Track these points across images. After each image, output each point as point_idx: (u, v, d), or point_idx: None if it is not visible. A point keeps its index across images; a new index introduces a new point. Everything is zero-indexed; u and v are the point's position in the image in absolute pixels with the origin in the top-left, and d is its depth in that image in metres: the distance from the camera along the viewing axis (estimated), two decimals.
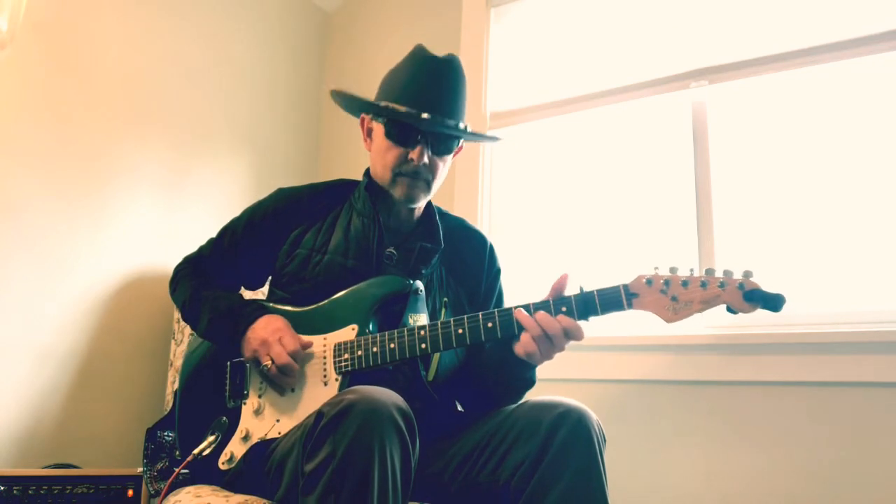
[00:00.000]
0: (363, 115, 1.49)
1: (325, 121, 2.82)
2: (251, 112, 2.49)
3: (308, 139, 2.74)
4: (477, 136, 1.46)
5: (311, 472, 1.04)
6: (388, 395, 1.09)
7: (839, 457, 1.68)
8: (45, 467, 1.69)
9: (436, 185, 1.44)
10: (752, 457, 1.77)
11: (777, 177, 1.96)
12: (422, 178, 1.39)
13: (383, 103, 1.37)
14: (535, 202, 2.34)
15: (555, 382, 1.94)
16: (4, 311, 1.75)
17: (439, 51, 1.43)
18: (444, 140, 1.40)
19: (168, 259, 2.11)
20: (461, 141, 1.46)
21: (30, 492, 1.56)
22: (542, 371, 1.44)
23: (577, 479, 1.15)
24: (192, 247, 1.59)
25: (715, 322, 1.92)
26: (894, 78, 1.84)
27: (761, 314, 1.13)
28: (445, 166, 1.45)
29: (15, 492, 1.55)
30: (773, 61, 1.97)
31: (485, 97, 2.40)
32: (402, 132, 1.37)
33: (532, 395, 1.37)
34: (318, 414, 1.07)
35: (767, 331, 1.81)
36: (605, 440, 1.22)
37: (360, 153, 2.64)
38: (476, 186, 2.35)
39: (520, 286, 2.19)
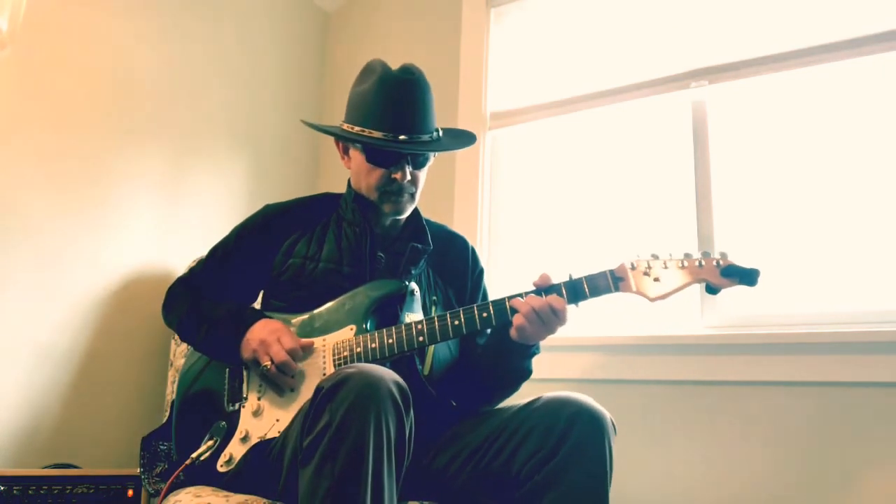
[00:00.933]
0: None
1: (326, 121, 2.81)
2: (251, 112, 2.49)
3: (308, 140, 2.74)
4: (453, 146, 1.50)
5: (308, 444, 1.06)
6: (384, 371, 1.12)
7: (839, 457, 1.68)
8: (45, 467, 1.69)
9: (419, 193, 1.49)
10: (752, 457, 1.77)
11: (777, 177, 1.96)
12: (406, 192, 1.44)
13: (357, 129, 1.42)
14: (536, 202, 2.34)
15: (556, 383, 1.94)
16: (4, 310, 1.75)
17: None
18: (422, 154, 1.45)
19: (168, 259, 2.11)
20: (435, 153, 1.50)
21: (30, 492, 1.56)
22: (541, 371, 1.44)
23: (586, 478, 1.18)
24: (191, 247, 1.60)
25: (715, 322, 1.92)
26: (894, 78, 1.84)
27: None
28: (425, 173, 1.50)
29: (15, 492, 1.55)
30: (773, 61, 1.97)
31: (485, 97, 2.40)
32: (382, 156, 1.43)
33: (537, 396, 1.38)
34: (317, 388, 1.10)
35: (767, 331, 1.81)
36: (616, 431, 1.25)
37: None
38: (476, 187, 2.35)
39: (519, 286, 2.19)
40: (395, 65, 1.49)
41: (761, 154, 2.00)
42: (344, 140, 1.50)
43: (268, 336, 1.33)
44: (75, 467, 1.72)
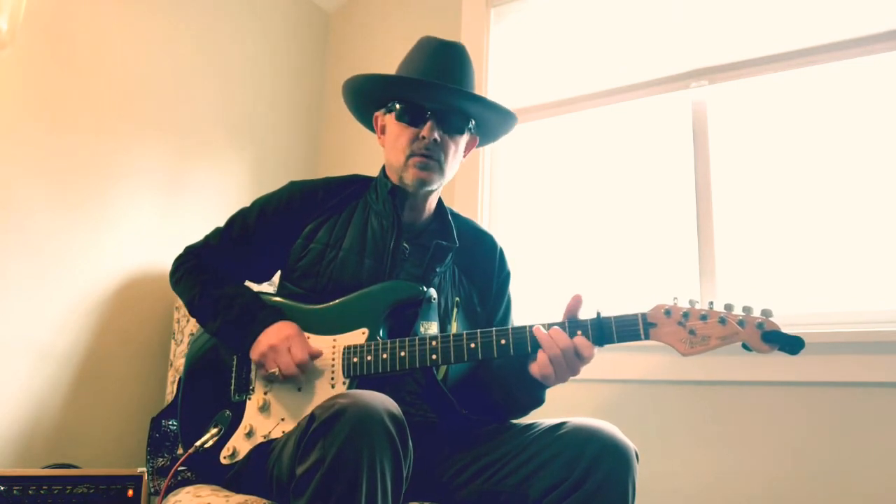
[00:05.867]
0: (376, 113, 1.50)
1: (326, 121, 2.82)
2: (251, 112, 2.49)
3: (308, 139, 2.74)
4: (487, 103, 1.44)
5: (301, 475, 1.03)
6: (380, 401, 1.07)
7: (839, 457, 1.68)
8: (45, 467, 1.69)
9: (449, 170, 1.43)
10: (755, 458, 1.77)
11: (777, 176, 1.96)
12: (434, 157, 1.38)
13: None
14: (535, 202, 2.34)
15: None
16: (4, 310, 1.74)
17: None
18: (455, 118, 1.40)
19: (168, 259, 2.10)
20: (471, 123, 1.45)
21: (30, 492, 1.56)
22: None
23: None
24: None
25: None
26: (894, 78, 1.85)
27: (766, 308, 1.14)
28: (458, 150, 1.44)
29: (15, 492, 1.54)
30: (773, 61, 1.98)
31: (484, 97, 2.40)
32: (411, 112, 1.39)
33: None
34: (311, 416, 1.07)
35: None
36: (639, 461, 1.21)
37: (360, 153, 2.65)
38: (476, 187, 2.35)
39: (520, 286, 2.19)
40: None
41: (761, 154, 2.00)
42: (374, 82, 1.44)
43: (279, 343, 1.29)
44: (75, 467, 1.72)
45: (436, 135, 1.37)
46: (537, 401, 1.37)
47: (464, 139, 1.45)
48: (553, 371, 1.19)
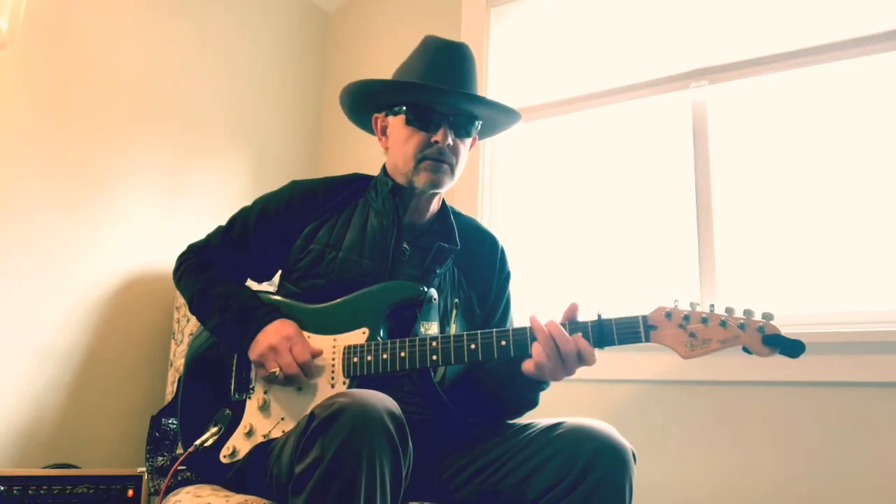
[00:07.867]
0: (375, 115, 1.49)
1: (326, 121, 2.82)
2: (251, 112, 2.49)
3: (308, 139, 2.74)
4: (498, 106, 1.44)
5: (300, 474, 1.03)
6: (380, 400, 1.06)
7: (839, 457, 1.68)
8: (45, 467, 1.69)
9: (458, 172, 1.43)
10: (756, 458, 1.77)
11: (777, 176, 1.96)
12: (446, 161, 1.38)
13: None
14: (535, 202, 2.34)
15: (560, 382, 1.93)
16: (4, 310, 1.75)
17: None
18: (464, 121, 1.40)
19: (168, 259, 2.11)
20: (478, 125, 1.45)
21: (30, 492, 1.56)
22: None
23: None
24: None
25: None
26: (894, 78, 1.85)
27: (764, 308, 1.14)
28: (466, 151, 1.44)
29: (15, 492, 1.54)
30: (773, 61, 1.98)
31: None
32: (422, 116, 1.38)
33: (544, 397, 1.37)
34: (311, 415, 1.06)
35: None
36: (636, 461, 1.20)
37: (360, 153, 2.65)
38: (476, 187, 2.35)
39: (520, 285, 2.19)
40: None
41: (761, 154, 2.00)
42: (384, 88, 1.42)
43: (279, 343, 1.29)
44: (75, 467, 1.72)
45: (449, 140, 1.37)
46: (530, 402, 1.37)
47: (470, 140, 1.46)
48: (547, 366, 1.18)
